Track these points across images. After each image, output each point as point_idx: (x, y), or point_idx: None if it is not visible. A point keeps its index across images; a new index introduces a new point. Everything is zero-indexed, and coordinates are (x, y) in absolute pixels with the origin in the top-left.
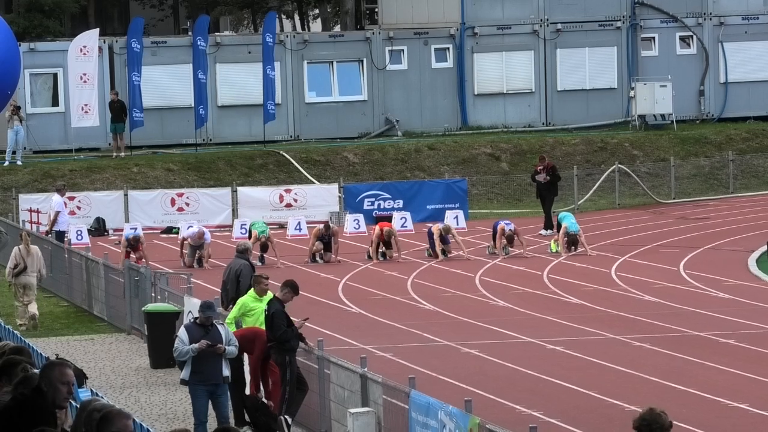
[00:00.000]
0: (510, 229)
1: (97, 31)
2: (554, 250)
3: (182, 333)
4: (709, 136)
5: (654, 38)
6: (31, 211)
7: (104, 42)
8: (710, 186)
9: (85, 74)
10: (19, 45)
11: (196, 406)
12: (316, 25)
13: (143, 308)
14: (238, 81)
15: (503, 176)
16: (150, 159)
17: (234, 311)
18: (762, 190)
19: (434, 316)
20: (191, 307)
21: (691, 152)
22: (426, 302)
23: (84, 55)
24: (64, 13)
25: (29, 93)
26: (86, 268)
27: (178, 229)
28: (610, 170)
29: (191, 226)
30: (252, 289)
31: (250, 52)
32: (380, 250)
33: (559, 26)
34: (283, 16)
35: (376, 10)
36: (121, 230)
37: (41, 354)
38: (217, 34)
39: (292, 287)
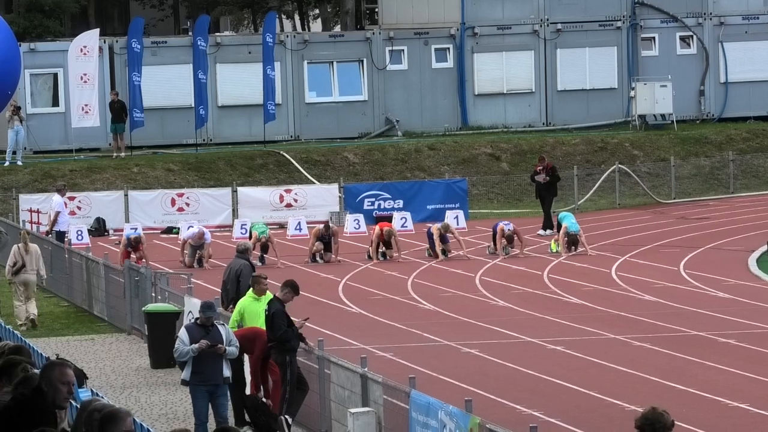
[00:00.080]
0: (509, 230)
1: (97, 31)
2: (554, 250)
3: (183, 333)
4: (709, 136)
5: (654, 38)
6: (31, 211)
7: (104, 42)
8: (710, 186)
9: (85, 74)
10: (20, 45)
11: (197, 407)
12: (317, 25)
13: (143, 308)
14: (238, 81)
15: (503, 176)
16: (150, 159)
17: (234, 315)
18: (762, 190)
19: (434, 316)
20: (191, 307)
21: (692, 152)
22: (426, 302)
23: (84, 55)
24: (64, 13)
25: (29, 93)
26: (86, 269)
27: (179, 229)
28: (610, 170)
29: (191, 227)
30: (251, 289)
31: (250, 52)
32: (380, 250)
33: (560, 26)
34: (283, 16)
35: (376, 10)
36: (122, 230)
37: (41, 354)
38: (217, 34)
39: (292, 287)
